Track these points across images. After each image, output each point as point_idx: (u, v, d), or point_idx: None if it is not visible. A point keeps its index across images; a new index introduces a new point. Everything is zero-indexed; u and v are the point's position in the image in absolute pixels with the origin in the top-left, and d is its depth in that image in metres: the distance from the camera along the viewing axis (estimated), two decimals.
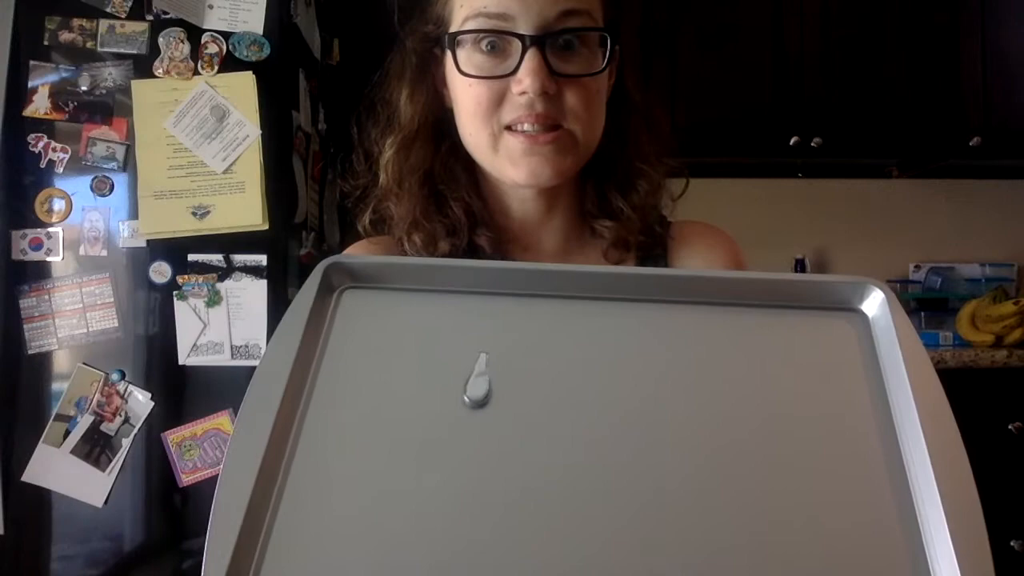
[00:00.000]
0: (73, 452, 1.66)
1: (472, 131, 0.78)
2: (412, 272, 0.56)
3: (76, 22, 1.71)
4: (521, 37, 0.74)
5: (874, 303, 0.53)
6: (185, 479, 1.67)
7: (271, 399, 0.48)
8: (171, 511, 1.69)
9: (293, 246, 1.78)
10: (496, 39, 0.75)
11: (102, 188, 1.71)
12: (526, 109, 0.75)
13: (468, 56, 0.77)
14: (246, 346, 1.67)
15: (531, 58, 0.73)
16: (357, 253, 0.87)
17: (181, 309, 1.68)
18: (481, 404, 0.49)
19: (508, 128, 0.77)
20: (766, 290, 0.54)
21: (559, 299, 0.55)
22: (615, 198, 0.84)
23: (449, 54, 0.78)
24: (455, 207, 0.82)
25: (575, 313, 0.54)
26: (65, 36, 1.71)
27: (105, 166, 1.71)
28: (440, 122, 0.83)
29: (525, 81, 0.73)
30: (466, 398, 0.49)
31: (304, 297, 0.54)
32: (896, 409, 0.48)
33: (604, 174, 0.84)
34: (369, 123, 0.87)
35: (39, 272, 1.70)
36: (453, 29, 0.78)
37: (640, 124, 0.86)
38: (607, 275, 0.55)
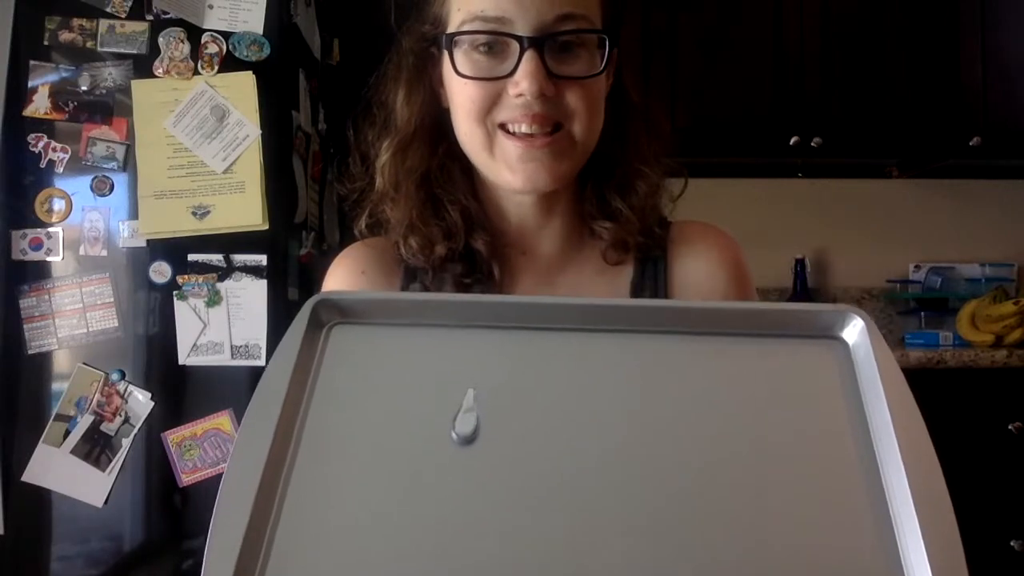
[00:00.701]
0: (73, 452, 1.66)
1: (467, 130, 0.78)
2: (400, 307, 0.56)
3: (76, 22, 1.71)
4: (519, 39, 0.73)
5: (854, 331, 0.54)
6: (185, 479, 1.67)
7: (263, 438, 0.48)
8: (171, 511, 1.69)
9: (293, 246, 1.78)
10: (494, 40, 0.75)
11: (102, 188, 1.71)
12: (523, 110, 0.74)
13: (465, 57, 0.76)
14: (246, 346, 1.68)
15: (529, 60, 0.73)
16: (352, 255, 0.87)
17: (181, 309, 1.68)
18: (469, 440, 0.49)
19: (503, 128, 0.76)
20: (749, 319, 0.55)
21: (545, 331, 0.55)
22: (614, 199, 0.83)
23: (446, 55, 0.78)
24: (452, 210, 0.82)
25: (560, 345, 0.54)
26: (65, 36, 1.71)
27: (105, 166, 1.71)
28: (437, 124, 0.83)
29: (522, 84, 0.73)
30: (454, 435, 0.49)
31: (293, 334, 0.54)
32: (876, 433, 0.49)
33: (603, 175, 0.84)
34: (365, 125, 0.86)
35: (39, 272, 1.70)
36: (450, 30, 0.77)
37: (639, 125, 0.85)
38: (591, 307, 0.56)
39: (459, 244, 0.81)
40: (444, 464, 0.48)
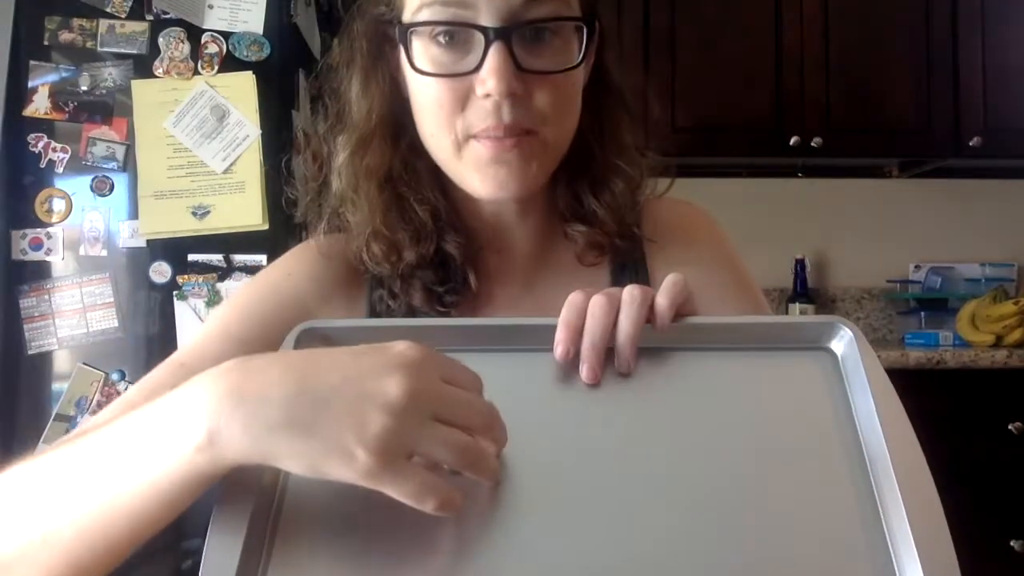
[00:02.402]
0: None
1: (433, 133, 0.70)
2: (387, 335, 0.55)
3: (76, 22, 1.71)
4: (483, 29, 0.65)
5: (842, 341, 0.54)
6: None
7: (246, 493, 0.47)
8: None
9: (293, 246, 1.77)
10: (455, 29, 0.66)
11: (102, 188, 1.71)
12: (493, 119, 0.66)
13: (424, 49, 0.68)
14: None
15: (495, 54, 0.64)
16: (304, 258, 0.81)
17: (181, 309, 1.68)
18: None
19: (474, 137, 0.69)
20: (737, 333, 0.55)
21: (531, 352, 0.55)
22: (587, 198, 0.76)
23: (402, 47, 0.69)
24: (420, 211, 0.74)
25: (551, 365, 0.54)
26: (65, 36, 1.71)
27: (105, 166, 1.71)
28: (398, 117, 0.74)
29: (489, 82, 0.65)
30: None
31: None
32: (866, 441, 0.50)
33: (577, 170, 0.76)
34: (316, 118, 0.81)
35: (39, 272, 1.70)
36: (406, 18, 0.69)
37: (619, 113, 0.78)
38: None
39: (429, 248, 0.74)
40: None
